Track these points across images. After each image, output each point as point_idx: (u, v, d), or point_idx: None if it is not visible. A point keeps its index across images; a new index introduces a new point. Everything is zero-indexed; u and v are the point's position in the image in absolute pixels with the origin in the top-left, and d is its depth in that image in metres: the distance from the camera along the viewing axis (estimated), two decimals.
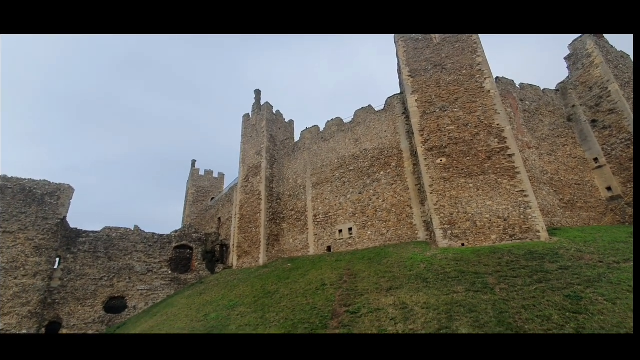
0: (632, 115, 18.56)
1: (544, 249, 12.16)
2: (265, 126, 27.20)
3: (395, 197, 18.87)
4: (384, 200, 19.30)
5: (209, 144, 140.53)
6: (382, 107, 21.88)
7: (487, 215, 14.30)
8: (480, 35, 18.51)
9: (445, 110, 17.04)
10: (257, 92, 29.75)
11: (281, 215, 24.77)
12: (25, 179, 21.93)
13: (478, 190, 14.90)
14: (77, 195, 69.37)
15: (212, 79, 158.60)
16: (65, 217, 22.34)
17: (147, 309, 21.72)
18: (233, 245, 26.00)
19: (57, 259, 21.41)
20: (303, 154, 25.18)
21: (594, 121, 20.29)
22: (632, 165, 17.78)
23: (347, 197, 21.04)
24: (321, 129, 24.98)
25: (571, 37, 23.03)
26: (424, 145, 16.78)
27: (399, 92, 21.29)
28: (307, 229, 22.43)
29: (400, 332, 8.71)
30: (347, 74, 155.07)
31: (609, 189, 18.94)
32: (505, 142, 15.42)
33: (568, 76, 22.41)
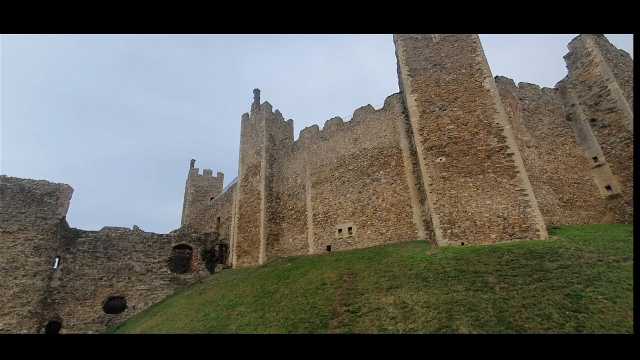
0: (632, 114, 18.56)
1: (543, 248, 12.17)
2: (265, 126, 27.18)
3: (395, 197, 18.87)
4: (383, 200, 19.30)
5: (208, 144, 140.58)
6: (382, 106, 21.87)
7: (487, 215, 14.31)
8: (479, 35, 18.51)
9: (445, 110, 17.04)
10: (257, 92, 29.72)
11: (281, 215, 24.77)
12: (24, 179, 21.91)
13: (478, 189, 14.90)
14: (76, 195, 69.31)
15: (212, 79, 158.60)
16: (64, 217, 22.33)
17: (147, 309, 21.72)
18: (233, 245, 26.00)
19: (57, 259, 21.40)
20: (303, 153, 25.17)
21: (593, 120, 20.29)
22: (631, 164, 17.79)
23: (347, 196, 21.04)
24: (321, 128, 24.97)
25: (571, 36, 22.95)
26: (423, 144, 16.78)
27: (398, 91, 21.28)
28: (307, 228, 22.43)
29: (400, 332, 8.71)
30: (347, 74, 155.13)
31: (608, 188, 18.95)
32: (505, 141, 15.42)
33: (567, 75, 22.41)
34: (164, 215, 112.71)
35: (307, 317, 11.09)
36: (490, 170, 15.07)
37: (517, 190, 14.37)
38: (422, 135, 17.04)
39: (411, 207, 17.99)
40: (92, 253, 22.31)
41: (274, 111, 28.88)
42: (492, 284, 10.10)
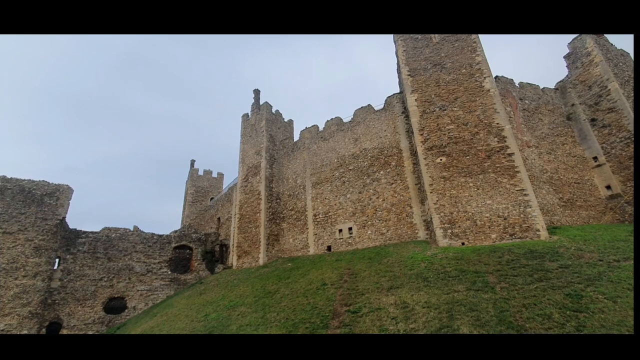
0: (631, 114, 18.57)
1: (544, 247, 12.17)
2: (265, 126, 27.18)
3: (395, 197, 18.87)
4: (383, 200, 19.30)
5: (208, 144, 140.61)
6: (382, 106, 21.87)
7: (487, 214, 14.31)
8: (479, 35, 18.51)
9: (445, 110, 17.04)
10: (256, 92, 29.71)
11: (281, 215, 24.76)
12: (24, 180, 21.90)
13: (478, 189, 14.90)
14: (76, 195, 69.30)
15: (212, 79, 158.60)
16: (64, 217, 22.32)
17: (147, 309, 21.71)
18: (233, 245, 25.99)
19: (57, 260, 21.39)
20: (302, 153, 25.16)
21: (593, 120, 20.30)
22: (631, 163, 17.80)
23: (347, 196, 21.04)
24: (320, 128, 24.97)
25: (570, 36, 23.01)
26: (423, 144, 16.78)
27: (398, 91, 21.28)
28: (307, 228, 22.43)
29: (401, 332, 8.71)
30: (347, 74, 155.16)
31: (608, 187, 18.96)
32: (505, 141, 15.43)
33: (567, 75, 22.41)
34: (164, 216, 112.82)
35: (308, 317, 11.09)
36: (490, 170, 15.08)
37: (517, 190, 14.37)
38: (422, 135, 17.04)
39: (411, 207, 18.00)
40: (92, 253, 22.30)
41: (273, 111, 28.87)
42: (492, 284, 10.10)
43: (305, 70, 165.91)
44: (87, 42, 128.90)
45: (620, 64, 21.38)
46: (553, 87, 22.62)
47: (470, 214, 14.56)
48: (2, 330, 17.83)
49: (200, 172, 44.42)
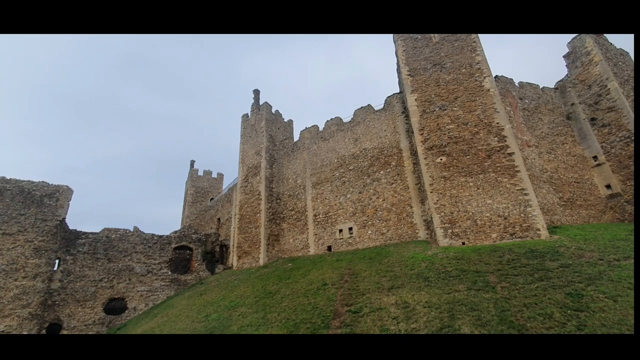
0: (631, 113, 18.57)
1: (544, 247, 12.18)
2: (265, 126, 27.17)
3: (396, 197, 18.87)
4: (384, 200, 19.30)
5: (208, 144, 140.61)
6: (382, 106, 21.87)
7: (488, 214, 14.31)
8: (479, 34, 18.51)
9: (445, 109, 17.04)
10: (256, 92, 29.71)
11: (281, 215, 24.76)
12: (24, 181, 21.88)
13: (478, 188, 14.91)
14: (76, 195, 69.23)
15: (212, 79, 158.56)
16: (64, 218, 22.30)
17: (148, 310, 21.70)
18: (233, 245, 25.98)
19: (57, 261, 21.37)
20: (302, 153, 25.16)
21: (593, 119, 20.31)
22: (631, 162, 17.81)
23: (347, 196, 21.04)
24: (320, 128, 24.96)
25: (570, 35, 23.05)
26: (423, 144, 16.78)
27: (398, 91, 21.28)
28: (307, 228, 22.43)
29: (402, 332, 8.71)
30: (346, 73, 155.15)
31: (608, 186, 18.97)
32: (505, 140, 15.43)
33: (567, 74, 22.42)
34: (164, 216, 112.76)
35: (309, 317, 11.08)
36: (490, 170, 15.08)
37: (517, 190, 14.38)
38: (422, 134, 17.04)
39: (411, 207, 18.00)
40: (92, 254, 22.29)
41: (273, 111, 28.87)
42: (493, 283, 10.10)
43: (305, 70, 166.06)
44: (87, 42, 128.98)
45: (620, 63, 21.39)
46: (553, 86, 22.63)
47: (470, 213, 14.56)
48: (2, 331, 17.81)
49: (200, 173, 44.42)
